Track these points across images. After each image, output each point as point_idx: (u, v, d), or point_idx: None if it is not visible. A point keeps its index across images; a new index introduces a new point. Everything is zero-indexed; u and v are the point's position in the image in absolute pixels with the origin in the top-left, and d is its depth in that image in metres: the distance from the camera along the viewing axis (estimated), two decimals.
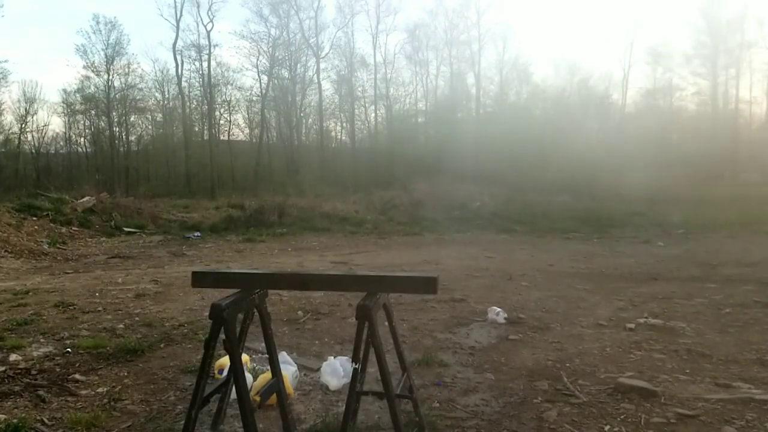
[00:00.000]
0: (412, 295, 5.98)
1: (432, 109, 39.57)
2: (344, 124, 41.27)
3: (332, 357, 3.88)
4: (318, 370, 3.85)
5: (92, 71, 34.32)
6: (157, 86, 37.56)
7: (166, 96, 38.13)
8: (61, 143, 37.60)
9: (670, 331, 4.98)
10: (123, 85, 35.60)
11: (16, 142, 34.75)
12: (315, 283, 2.70)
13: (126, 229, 15.10)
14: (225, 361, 3.48)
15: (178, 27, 33.85)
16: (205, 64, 35.17)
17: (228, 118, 39.56)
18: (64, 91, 38.33)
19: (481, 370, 4.04)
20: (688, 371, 3.93)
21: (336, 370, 3.70)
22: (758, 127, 37.84)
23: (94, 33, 34.35)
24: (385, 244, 13.01)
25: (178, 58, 34.50)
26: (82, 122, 37.48)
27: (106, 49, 34.27)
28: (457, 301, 6.28)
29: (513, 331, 5.03)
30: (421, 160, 30.24)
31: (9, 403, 3.42)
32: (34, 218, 13.88)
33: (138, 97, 36.82)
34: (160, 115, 39.06)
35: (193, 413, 2.45)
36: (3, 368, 3.97)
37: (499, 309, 5.51)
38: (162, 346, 4.62)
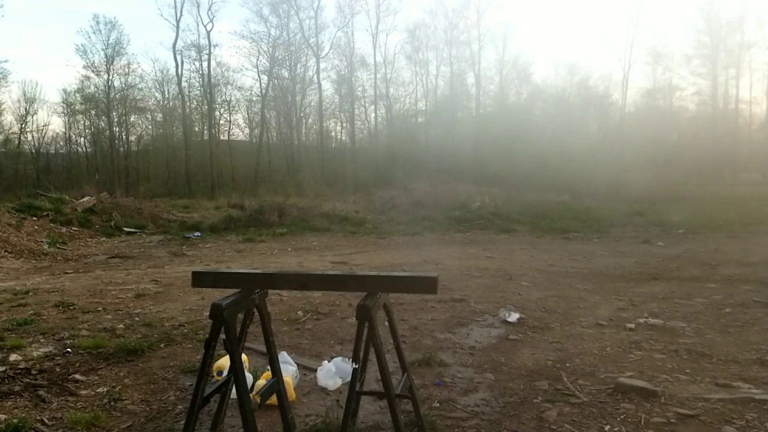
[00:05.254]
0: (412, 295, 5.99)
1: (432, 109, 39.64)
2: (344, 124, 41.37)
3: (326, 361, 3.89)
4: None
5: (92, 71, 34.42)
6: (157, 86, 37.67)
7: (166, 96, 38.23)
8: (61, 143, 37.68)
9: (670, 331, 4.98)
10: (123, 85, 35.69)
11: (16, 142, 34.81)
12: (315, 283, 2.70)
13: (126, 229, 15.10)
14: (223, 362, 3.48)
15: (178, 27, 33.94)
16: (205, 64, 35.27)
17: (228, 118, 39.69)
18: (64, 91, 38.51)
19: (481, 370, 4.04)
20: (688, 371, 3.94)
21: (329, 372, 3.71)
22: (758, 127, 37.90)
23: (94, 33, 34.48)
24: (385, 243, 12.99)
25: (178, 58, 34.60)
26: (82, 122, 37.58)
27: (106, 49, 34.35)
28: (457, 301, 6.28)
29: (513, 331, 5.03)
30: (421, 160, 30.25)
31: (9, 403, 3.42)
32: (34, 218, 13.88)
33: (138, 97, 36.93)
34: (160, 115, 39.16)
35: (193, 413, 2.45)
36: (3, 368, 3.97)
37: (511, 307, 5.51)
38: (162, 346, 4.62)
